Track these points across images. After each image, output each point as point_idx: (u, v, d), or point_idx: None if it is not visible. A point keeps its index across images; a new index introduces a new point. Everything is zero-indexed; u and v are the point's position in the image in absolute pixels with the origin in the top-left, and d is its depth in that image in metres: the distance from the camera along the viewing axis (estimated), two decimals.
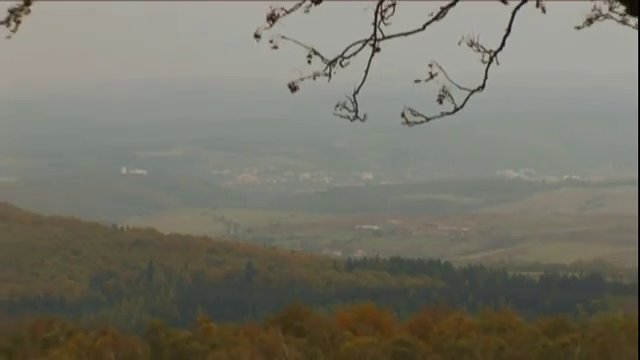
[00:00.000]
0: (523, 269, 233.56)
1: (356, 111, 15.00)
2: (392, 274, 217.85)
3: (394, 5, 15.57)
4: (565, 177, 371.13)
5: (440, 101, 14.74)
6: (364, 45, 15.13)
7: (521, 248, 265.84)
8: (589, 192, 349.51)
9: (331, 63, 14.82)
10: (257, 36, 14.57)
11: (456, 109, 14.95)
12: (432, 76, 14.78)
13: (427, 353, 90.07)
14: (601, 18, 16.10)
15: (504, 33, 15.69)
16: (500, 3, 15.91)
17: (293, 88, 14.89)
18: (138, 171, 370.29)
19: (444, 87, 14.76)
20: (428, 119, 14.89)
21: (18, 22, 13.47)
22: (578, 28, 16.55)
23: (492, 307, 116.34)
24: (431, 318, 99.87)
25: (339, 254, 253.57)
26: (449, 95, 14.81)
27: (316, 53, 14.68)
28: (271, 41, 14.34)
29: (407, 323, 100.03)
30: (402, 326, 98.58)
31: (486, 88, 15.23)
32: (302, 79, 14.80)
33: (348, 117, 15.12)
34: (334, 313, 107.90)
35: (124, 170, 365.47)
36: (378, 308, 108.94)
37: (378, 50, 15.21)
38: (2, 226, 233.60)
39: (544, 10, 15.75)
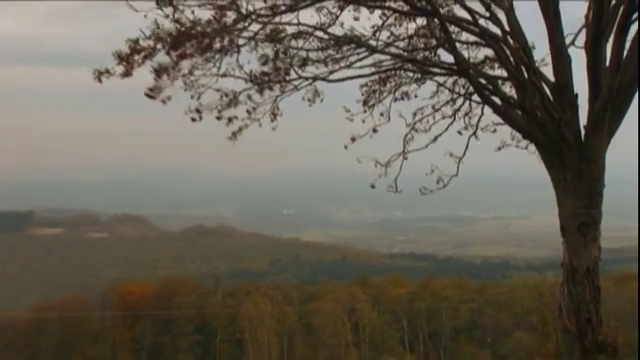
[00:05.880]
0: (472, 258, 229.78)
1: (396, 187, 15.28)
2: (410, 260, 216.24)
3: (412, 137, 15.93)
4: (492, 214, 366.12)
5: (437, 182, 14.90)
6: (398, 156, 15.45)
7: (471, 248, 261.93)
8: (503, 222, 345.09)
9: (384, 165, 15.18)
10: (346, 147, 14.88)
11: (444, 186, 15.09)
12: (432, 171, 15.01)
13: (425, 297, 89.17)
14: (506, 146, 16.30)
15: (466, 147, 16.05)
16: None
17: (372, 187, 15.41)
18: (291, 211, 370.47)
19: (439, 177, 14.97)
20: (432, 191, 15.07)
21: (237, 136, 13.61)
22: (495, 150, 16.73)
23: (457, 277, 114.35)
24: (427, 282, 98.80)
25: (384, 251, 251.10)
26: (442, 180, 14.98)
27: (378, 162, 15.10)
28: (357, 159, 14.47)
29: (417, 284, 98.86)
30: (415, 285, 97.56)
31: (459, 175, 15.55)
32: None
33: (392, 191, 15.55)
34: (384, 279, 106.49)
35: (285, 211, 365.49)
36: (404, 277, 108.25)
37: (406, 159, 15.52)
38: (230, 238, 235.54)
39: (477, 138, 16.07)
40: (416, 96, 15.57)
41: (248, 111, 13.09)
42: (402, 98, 15.49)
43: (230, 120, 13.07)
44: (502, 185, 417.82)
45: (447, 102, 15.86)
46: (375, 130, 14.94)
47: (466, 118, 16.00)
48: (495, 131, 15.80)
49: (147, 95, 12.07)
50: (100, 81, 11.69)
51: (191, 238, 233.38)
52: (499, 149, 16.15)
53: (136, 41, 11.53)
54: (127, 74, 11.64)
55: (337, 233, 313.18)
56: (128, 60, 11.58)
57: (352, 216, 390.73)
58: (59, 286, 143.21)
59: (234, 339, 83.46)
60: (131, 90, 12.21)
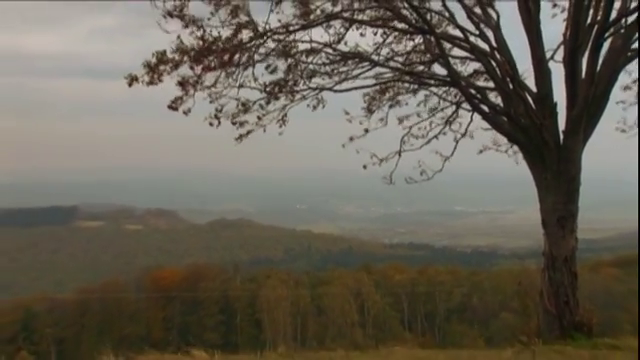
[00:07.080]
0: (463, 248, 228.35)
1: (390, 179, 15.17)
2: (409, 249, 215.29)
3: (408, 139, 15.82)
4: (481, 209, 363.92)
5: (421, 174, 14.84)
6: (395, 155, 15.37)
7: (463, 239, 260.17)
8: (491, 216, 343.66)
9: (381, 160, 15.07)
10: (344, 146, 14.54)
11: (428, 178, 15.07)
12: (420, 165, 14.91)
13: (422, 282, 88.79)
14: (486, 150, 16.27)
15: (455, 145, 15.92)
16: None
17: (364, 167, 15.11)
18: (303, 206, 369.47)
19: (422, 169, 14.93)
20: (416, 181, 15.04)
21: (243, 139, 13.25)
22: (477, 153, 16.63)
23: (451, 265, 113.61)
24: (424, 269, 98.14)
25: (386, 241, 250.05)
26: (425, 173, 14.93)
27: (375, 155, 14.59)
28: (364, 166, 14.61)
29: (415, 271, 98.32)
30: (413, 272, 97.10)
31: (453, 174, 15.39)
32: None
33: (387, 183, 15.37)
34: (386, 266, 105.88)
35: (298, 206, 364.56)
36: (404, 265, 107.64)
37: (400, 155, 15.46)
38: (250, 230, 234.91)
39: (472, 137, 16.00)
40: (407, 104, 15.55)
41: (258, 117, 13.10)
42: (397, 104, 15.46)
43: (241, 124, 13.06)
44: (491, 183, 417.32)
45: (441, 109, 15.85)
46: (367, 130, 14.80)
47: (456, 123, 15.98)
48: (472, 137, 15.79)
49: (170, 107, 12.08)
50: (130, 86, 11.68)
51: (215, 230, 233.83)
52: (480, 152, 16.18)
53: (163, 53, 11.53)
54: (152, 82, 11.61)
55: (344, 225, 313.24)
56: (154, 70, 11.57)
57: (358, 210, 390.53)
58: (100, 272, 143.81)
59: (253, 319, 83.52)
60: (161, 99, 12.23)
